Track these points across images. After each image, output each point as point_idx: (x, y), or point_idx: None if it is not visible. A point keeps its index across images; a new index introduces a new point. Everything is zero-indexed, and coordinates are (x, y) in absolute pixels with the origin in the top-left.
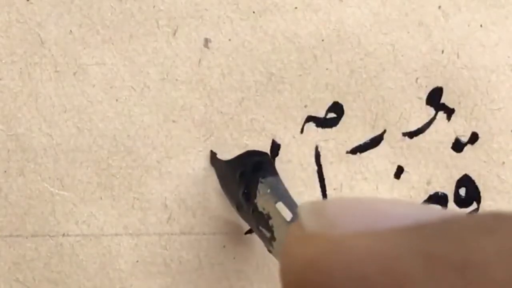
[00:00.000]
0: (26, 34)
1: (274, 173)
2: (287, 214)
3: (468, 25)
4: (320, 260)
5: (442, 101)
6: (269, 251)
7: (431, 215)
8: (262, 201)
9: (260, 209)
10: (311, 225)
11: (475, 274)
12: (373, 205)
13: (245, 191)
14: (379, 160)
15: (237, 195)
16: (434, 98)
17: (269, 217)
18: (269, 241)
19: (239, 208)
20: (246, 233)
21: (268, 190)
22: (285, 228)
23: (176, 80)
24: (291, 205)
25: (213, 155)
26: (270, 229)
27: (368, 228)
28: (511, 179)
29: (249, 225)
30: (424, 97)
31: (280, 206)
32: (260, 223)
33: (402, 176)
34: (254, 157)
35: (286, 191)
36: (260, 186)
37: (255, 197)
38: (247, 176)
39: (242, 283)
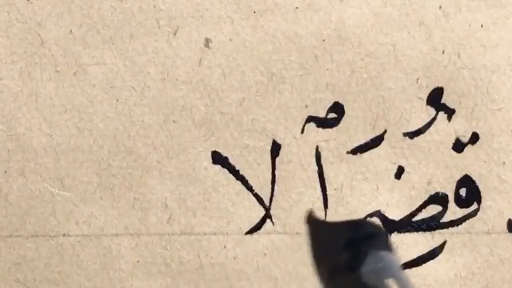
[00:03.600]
0: (26, 34)
1: (389, 248)
2: None
3: (469, 25)
4: None
5: (442, 101)
6: None
7: None
8: (369, 273)
9: (364, 280)
10: None
11: None
12: None
13: (351, 257)
14: (380, 160)
15: (336, 259)
16: (435, 98)
17: None
18: None
19: (333, 272)
20: (247, 233)
21: (381, 264)
22: None
23: (177, 80)
24: (404, 283)
25: (311, 213)
26: None
27: None
28: (511, 179)
29: None
30: (425, 97)
31: (391, 283)
32: None
33: (402, 176)
34: (368, 227)
35: (400, 270)
36: (370, 257)
37: (361, 267)
38: (356, 244)
39: (242, 283)
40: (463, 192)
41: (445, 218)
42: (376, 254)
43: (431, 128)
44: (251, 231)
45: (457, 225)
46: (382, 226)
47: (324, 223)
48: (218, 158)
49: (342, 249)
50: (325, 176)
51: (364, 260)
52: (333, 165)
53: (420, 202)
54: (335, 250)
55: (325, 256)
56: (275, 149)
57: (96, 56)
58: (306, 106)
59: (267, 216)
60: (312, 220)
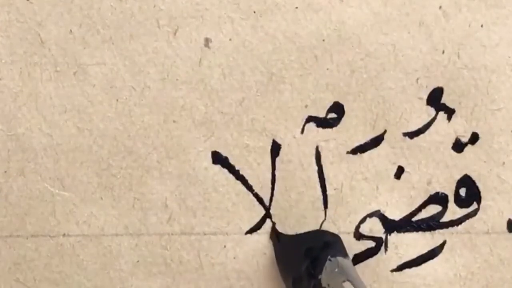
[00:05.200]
0: (26, 33)
1: (344, 254)
2: None
3: (469, 25)
4: None
5: (442, 101)
6: None
7: None
8: (328, 278)
9: (324, 285)
10: None
11: None
12: None
13: (310, 266)
14: (380, 160)
15: (298, 269)
16: (435, 98)
17: None
18: None
19: (296, 281)
20: (246, 233)
21: (336, 269)
22: None
23: (177, 80)
24: (360, 286)
25: (274, 228)
26: None
27: None
28: (511, 179)
29: None
30: (425, 97)
31: (348, 285)
32: None
33: (402, 176)
34: (325, 236)
35: (355, 273)
36: (328, 263)
37: (320, 273)
38: (315, 252)
39: (242, 283)
40: (463, 192)
41: (445, 218)
42: (333, 260)
43: (431, 128)
44: (251, 231)
45: (457, 225)
46: (337, 234)
47: (286, 236)
48: (218, 158)
49: (303, 259)
50: (325, 176)
51: (322, 267)
52: (333, 165)
53: (420, 202)
54: (297, 260)
55: (289, 267)
56: (275, 149)
57: (96, 56)
58: (306, 106)
59: (267, 216)
60: (275, 235)
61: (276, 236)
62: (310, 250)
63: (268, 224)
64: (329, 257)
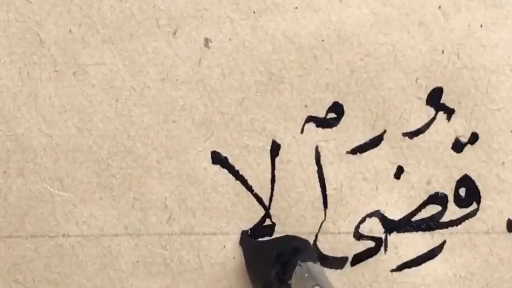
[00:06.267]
0: (25, 33)
1: (314, 259)
2: None
3: (468, 25)
4: None
5: (442, 101)
6: None
7: None
8: (298, 283)
9: None
10: None
11: None
12: None
13: (280, 271)
14: (379, 160)
15: (267, 274)
16: (434, 98)
17: None
18: None
19: (266, 286)
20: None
21: (306, 274)
22: None
23: (176, 80)
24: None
25: (244, 234)
26: None
27: None
28: (511, 179)
29: None
30: (424, 97)
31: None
32: None
33: (402, 176)
34: (294, 241)
35: (325, 277)
36: (298, 268)
37: (290, 278)
38: (284, 258)
39: (242, 283)
40: (462, 192)
41: (445, 218)
42: (303, 266)
43: (431, 128)
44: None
45: (457, 225)
46: (306, 239)
47: (256, 242)
48: (218, 158)
49: (273, 264)
50: (325, 175)
51: (292, 272)
52: (333, 165)
53: (419, 202)
54: (267, 266)
55: (259, 272)
56: (275, 149)
57: (95, 56)
58: (306, 106)
59: (267, 216)
60: (245, 240)
61: (245, 241)
62: (280, 255)
63: (268, 224)
64: (299, 262)
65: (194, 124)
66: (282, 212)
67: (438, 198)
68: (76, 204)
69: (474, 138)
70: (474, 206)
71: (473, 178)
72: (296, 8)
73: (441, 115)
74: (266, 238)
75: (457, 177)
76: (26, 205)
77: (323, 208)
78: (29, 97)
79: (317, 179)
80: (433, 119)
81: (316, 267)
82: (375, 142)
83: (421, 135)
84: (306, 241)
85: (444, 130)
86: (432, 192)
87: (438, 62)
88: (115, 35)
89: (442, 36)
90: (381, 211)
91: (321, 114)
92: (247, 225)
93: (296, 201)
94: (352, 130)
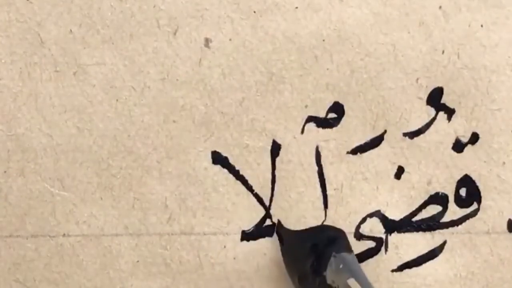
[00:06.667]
0: (26, 33)
1: (349, 250)
2: None
3: (469, 25)
4: None
5: (442, 101)
6: None
7: None
8: (333, 275)
9: (329, 281)
10: None
11: None
12: None
13: (315, 262)
14: (380, 160)
15: (303, 265)
16: (435, 98)
17: None
18: None
19: (301, 278)
20: (242, 239)
21: (341, 265)
22: None
23: (177, 80)
24: (364, 283)
25: (280, 224)
26: None
27: None
28: (511, 179)
29: None
30: (425, 97)
31: (352, 282)
32: None
33: (402, 176)
34: (329, 232)
35: (360, 269)
36: (332, 260)
37: (325, 270)
38: (319, 249)
39: (242, 283)
40: (463, 192)
41: (445, 218)
42: (337, 257)
43: (431, 128)
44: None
45: (457, 225)
46: (341, 229)
47: (291, 232)
48: (218, 158)
49: (308, 255)
50: (325, 176)
51: (327, 263)
52: (333, 165)
53: (420, 202)
54: (302, 257)
55: (294, 264)
56: (275, 149)
57: (96, 56)
58: (306, 106)
59: (267, 216)
60: (281, 230)
61: (281, 232)
62: (315, 246)
63: (268, 224)
64: (333, 253)
65: (194, 124)
66: (283, 212)
67: (438, 198)
68: (77, 204)
69: (474, 138)
70: (474, 206)
71: (473, 178)
72: (296, 8)
73: (442, 115)
74: (301, 228)
75: (458, 177)
76: (27, 205)
77: (323, 208)
78: (30, 97)
79: (317, 179)
80: (434, 119)
81: (350, 257)
82: (376, 142)
83: (421, 135)
84: (341, 231)
85: (445, 130)
86: (432, 192)
87: (438, 62)
88: (115, 35)
89: (442, 36)
90: (382, 211)
91: (321, 114)
92: (247, 225)
93: (296, 201)
94: (353, 130)
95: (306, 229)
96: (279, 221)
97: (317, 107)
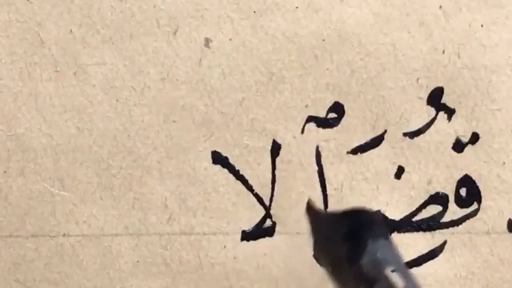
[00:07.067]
0: (26, 33)
1: (386, 236)
2: (399, 282)
3: (469, 25)
4: None
5: (442, 101)
6: None
7: None
8: (370, 263)
9: (366, 271)
10: None
11: None
12: None
13: (351, 249)
14: (380, 160)
15: (336, 251)
16: (435, 98)
17: (375, 281)
18: None
19: (335, 264)
20: (242, 239)
21: (379, 254)
22: None
23: (177, 80)
24: (404, 272)
25: (310, 204)
26: None
27: None
28: (511, 179)
29: (338, 283)
30: (425, 97)
31: (390, 272)
32: (363, 285)
33: (402, 176)
34: (365, 216)
35: (398, 256)
36: (369, 247)
37: (361, 258)
38: (355, 235)
39: (242, 283)
40: (463, 192)
41: (445, 218)
42: (374, 244)
43: (431, 128)
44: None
45: (457, 225)
46: (379, 213)
47: (324, 214)
48: (218, 158)
49: (342, 241)
50: (325, 175)
51: (363, 251)
52: (333, 165)
53: (420, 202)
54: (335, 242)
55: (326, 248)
56: (275, 149)
57: (96, 56)
58: (306, 106)
59: (267, 216)
60: (311, 211)
61: (312, 212)
62: (351, 232)
63: (268, 224)
64: (370, 239)
65: (194, 124)
66: (283, 212)
67: (438, 198)
68: (77, 204)
69: (474, 138)
70: (474, 206)
71: (473, 178)
72: (296, 8)
73: (442, 115)
74: (334, 211)
75: (458, 177)
76: (27, 205)
77: (323, 208)
78: (30, 97)
79: (317, 179)
80: (434, 119)
81: (390, 246)
82: (376, 142)
83: (421, 135)
84: (378, 214)
85: (445, 130)
86: (432, 192)
87: (438, 62)
88: (115, 35)
89: (442, 36)
90: (382, 211)
91: (321, 114)
92: (247, 225)
93: (296, 201)
94: (353, 130)
95: (340, 212)
96: (309, 201)
97: (317, 107)
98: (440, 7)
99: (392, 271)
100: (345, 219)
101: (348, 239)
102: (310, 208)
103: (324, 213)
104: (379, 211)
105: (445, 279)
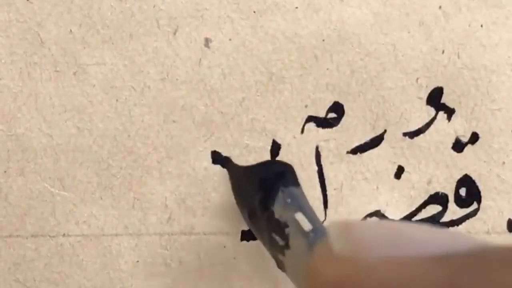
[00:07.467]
0: (25, 33)
1: (296, 184)
2: (306, 225)
3: (469, 25)
4: (349, 284)
5: (442, 101)
6: (276, 259)
7: (456, 244)
8: (281, 209)
9: (277, 216)
10: (339, 246)
11: None
12: (398, 229)
13: (263, 197)
14: (380, 160)
15: (252, 201)
16: (435, 98)
17: (286, 226)
18: (281, 249)
19: (251, 214)
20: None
21: (289, 200)
22: (302, 238)
23: (177, 80)
24: (311, 216)
25: (228, 159)
26: (285, 237)
27: (395, 254)
28: (511, 179)
29: (256, 232)
30: (425, 97)
31: (300, 216)
32: (275, 230)
33: (402, 176)
34: (277, 166)
35: (307, 202)
36: (280, 194)
37: (272, 204)
38: (267, 183)
39: (242, 283)
40: (463, 192)
41: (445, 218)
42: (285, 191)
43: (431, 128)
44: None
45: (457, 225)
46: (289, 163)
47: (240, 168)
48: (218, 158)
49: (256, 191)
50: (325, 175)
51: (275, 198)
52: (333, 165)
53: (420, 202)
54: (250, 192)
55: (244, 200)
56: (275, 149)
57: (96, 56)
58: (306, 106)
59: None
60: (230, 166)
61: (229, 168)
62: (263, 181)
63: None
64: (281, 187)
65: (194, 124)
66: None
67: (438, 198)
68: (77, 204)
69: (474, 138)
70: (474, 206)
71: (473, 178)
72: (296, 8)
73: (442, 115)
74: (250, 164)
75: (458, 177)
76: (27, 205)
77: (323, 208)
78: (30, 97)
79: (317, 179)
80: (434, 119)
81: (298, 191)
82: (376, 142)
83: (421, 135)
84: (288, 165)
85: (445, 130)
86: (432, 192)
87: (438, 62)
88: (115, 35)
89: (442, 36)
90: (382, 211)
91: (321, 114)
92: (248, 225)
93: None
94: (353, 130)
95: (254, 165)
96: (227, 158)
97: (317, 107)
98: (440, 7)
99: (297, 212)
100: (259, 171)
101: (261, 188)
102: (228, 164)
103: (240, 166)
104: (289, 165)
105: None
